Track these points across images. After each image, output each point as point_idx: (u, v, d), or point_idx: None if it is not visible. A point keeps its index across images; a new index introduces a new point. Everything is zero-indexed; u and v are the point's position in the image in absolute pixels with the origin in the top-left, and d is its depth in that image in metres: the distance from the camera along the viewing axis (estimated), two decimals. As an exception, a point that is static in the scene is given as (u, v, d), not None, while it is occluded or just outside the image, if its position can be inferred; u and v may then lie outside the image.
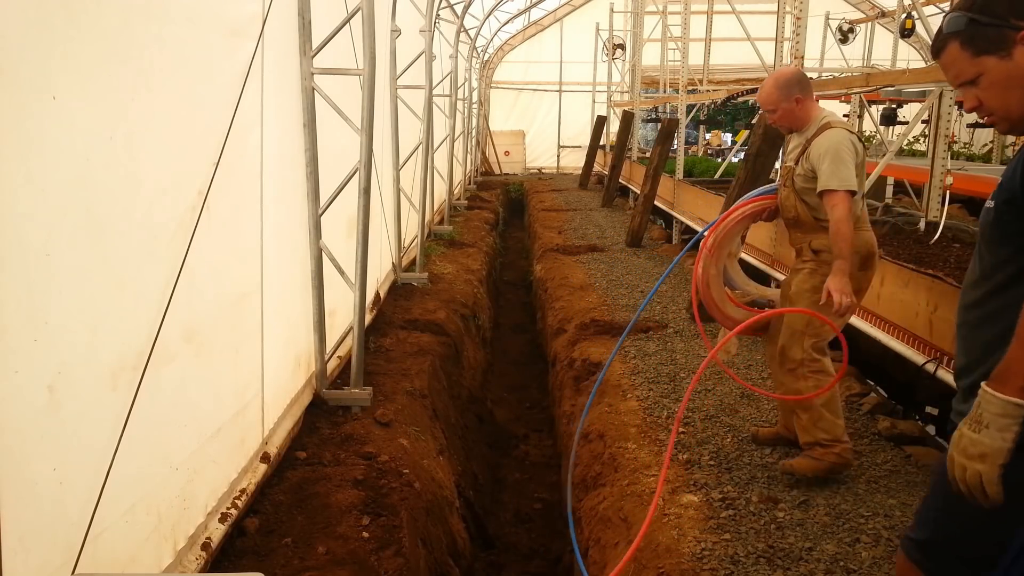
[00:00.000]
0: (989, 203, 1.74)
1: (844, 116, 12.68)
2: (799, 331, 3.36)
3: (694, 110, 14.03)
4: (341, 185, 3.88)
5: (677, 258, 4.18)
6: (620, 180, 13.25)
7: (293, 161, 3.65)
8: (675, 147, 10.17)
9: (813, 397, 3.31)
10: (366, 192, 3.86)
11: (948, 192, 6.05)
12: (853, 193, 3.16)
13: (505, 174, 19.17)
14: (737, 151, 13.39)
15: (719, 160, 13.49)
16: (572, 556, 3.80)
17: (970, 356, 1.77)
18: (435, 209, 9.68)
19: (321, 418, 3.90)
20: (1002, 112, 1.70)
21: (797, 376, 3.39)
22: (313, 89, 3.70)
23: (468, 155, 14.72)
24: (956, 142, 10.62)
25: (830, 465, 3.35)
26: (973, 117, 12.72)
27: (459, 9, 10.70)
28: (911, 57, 16.95)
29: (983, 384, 1.58)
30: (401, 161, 6.63)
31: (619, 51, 17.03)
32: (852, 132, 3.25)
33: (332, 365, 4.25)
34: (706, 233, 3.68)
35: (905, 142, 11.99)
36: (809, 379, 3.35)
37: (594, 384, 4.27)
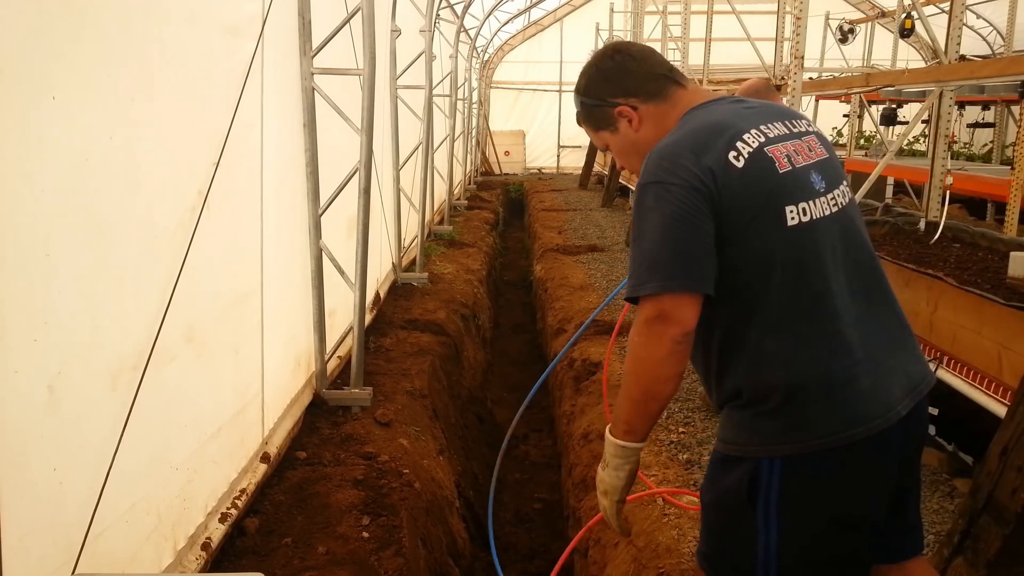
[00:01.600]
0: None
1: (844, 116, 12.70)
2: None
3: (694, 110, 13.99)
4: (341, 185, 3.88)
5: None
6: (620, 180, 13.25)
7: (293, 161, 3.65)
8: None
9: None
10: (366, 192, 3.86)
11: (948, 192, 6.05)
12: None
13: (505, 174, 19.15)
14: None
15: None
16: (572, 557, 3.80)
17: None
18: (435, 209, 9.68)
19: (321, 418, 3.90)
20: (637, 174, 1.83)
21: None
22: (313, 89, 3.70)
23: (468, 155, 14.72)
24: (956, 142, 10.62)
25: None
26: (973, 117, 12.76)
27: (459, 9, 10.70)
28: (911, 57, 16.97)
29: (607, 428, 1.72)
30: (401, 161, 6.63)
31: (619, 51, 16.99)
32: None
33: (332, 365, 4.25)
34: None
35: (905, 142, 11.99)
36: None
37: (559, 367, 4.26)
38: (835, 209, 1.67)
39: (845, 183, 1.77)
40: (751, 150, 1.62)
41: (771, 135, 1.67)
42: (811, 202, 1.63)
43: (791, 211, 1.61)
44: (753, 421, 1.64)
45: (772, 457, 1.61)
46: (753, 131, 1.66)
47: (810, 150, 1.70)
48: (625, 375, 1.65)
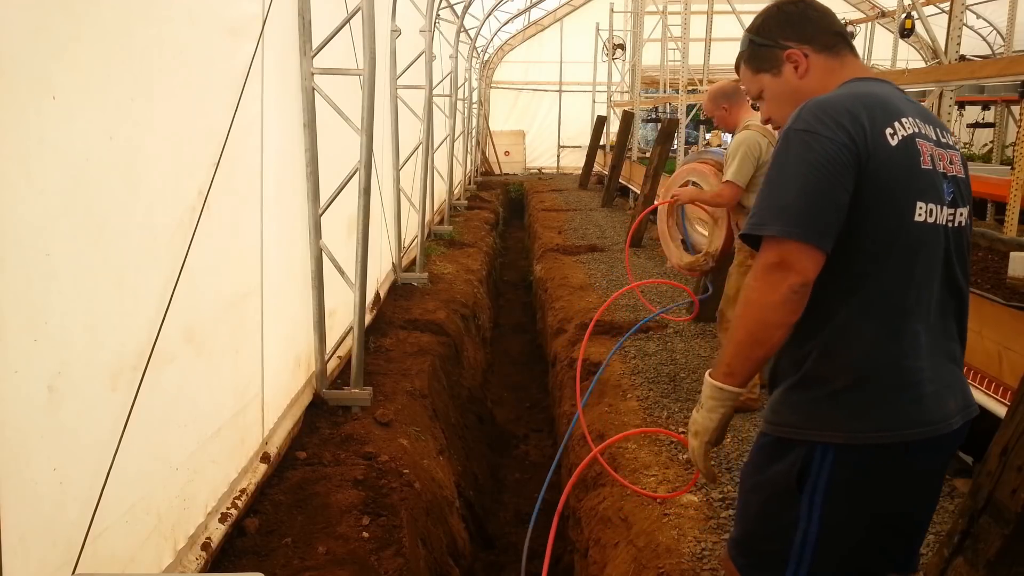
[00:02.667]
0: None
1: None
2: (731, 297, 4.01)
3: (694, 110, 14.03)
4: (341, 185, 3.88)
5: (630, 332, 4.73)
6: (620, 180, 13.24)
7: (293, 161, 3.65)
8: (675, 147, 10.16)
9: None
10: (366, 192, 3.86)
11: (948, 192, 6.03)
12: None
13: (505, 174, 19.16)
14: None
15: (719, 160, 13.44)
16: (572, 556, 3.80)
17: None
18: (435, 209, 9.68)
19: (321, 418, 3.90)
20: (780, 126, 1.82)
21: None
22: (313, 89, 3.70)
23: (468, 155, 14.72)
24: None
25: (737, 407, 4.06)
26: (973, 117, 12.75)
27: (459, 9, 10.70)
28: (911, 57, 16.98)
29: (707, 372, 1.72)
30: (401, 161, 6.63)
31: (619, 51, 17.02)
32: (765, 134, 3.85)
33: (332, 365, 4.25)
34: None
35: (905, 142, 11.96)
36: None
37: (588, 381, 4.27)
38: (952, 225, 1.68)
39: (969, 208, 1.76)
40: (906, 134, 1.63)
41: (922, 131, 1.67)
42: (938, 207, 1.64)
43: (921, 206, 1.61)
44: (813, 404, 1.64)
45: (827, 444, 1.61)
46: (911, 118, 1.66)
47: (951, 163, 1.70)
48: (734, 318, 1.65)
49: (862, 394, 1.60)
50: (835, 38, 1.79)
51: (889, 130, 1.60)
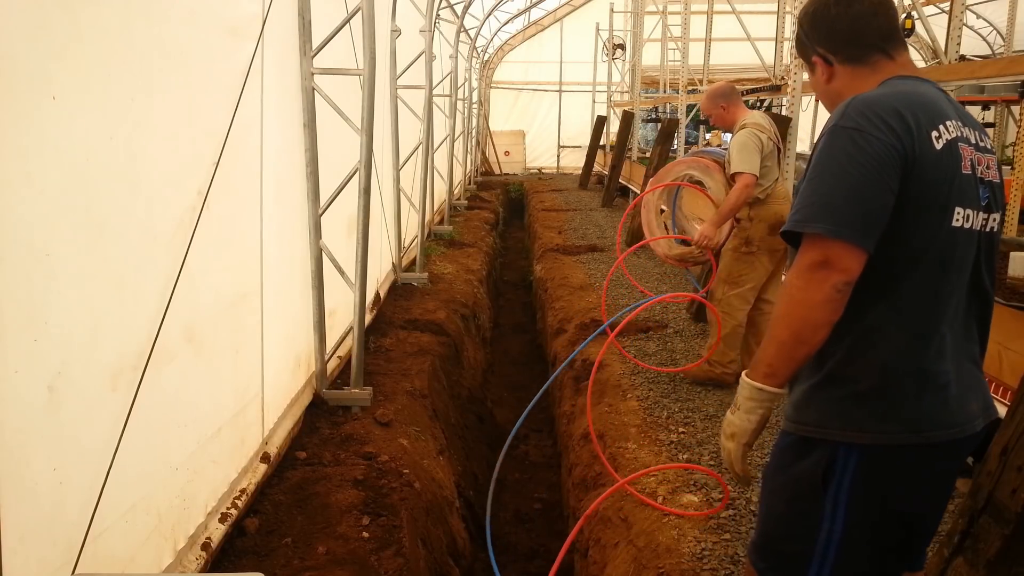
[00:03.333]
0: None
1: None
2: (722, 279, 4.32)
3: (694, 110, 14.02)
4: (341, 185, 3.88)
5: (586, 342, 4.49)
6: (620, 180, 13.25)
7: (293, 161, 3.65)
8: (675, 147, 10.15)
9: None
10: (366, 192, 3.86)
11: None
12: (756, 176, 4.00)
13: (505, 174, 19.16)
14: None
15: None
16: (572, 556, 3.80)
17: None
18: (435, 209, 9.68)
19: (321, 418, 3.90)
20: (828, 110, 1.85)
21: (714, 312, 4.35)
22: (313, 89, 3.70)
23: (468, 155, 14.72)
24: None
25: (712, 378, 4.50)
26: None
27: (459, 9, 10.70)
28: (911, 57, 16.95)
29: (743, 372, 1.70)
30: (401, 161, 6.63)
31: (619, 51, 17.03)
32: (762, 130, 4.04)
33: (332, 365, 4.25)
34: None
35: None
36: (718, 315, 4.34)
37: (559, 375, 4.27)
38: (985, 230, 1.68)
39: (1002, 212, 1.75)
40: (949, 138, 1.62)
41: (964, 135, 1.66)
42: (974, 212, 1.64)
43: (959, 212, 1.61)
44: (837, 404, 1.64)
45: (851, 444, 1.61)
46: (954, 122, 1.65)
47: (988, 168, 1.70)
48: (776, 317, 1.63)
49: (888, 395, 1.60)
50: (864, 49, 1.75)
51: (935, 133, 1.59)
